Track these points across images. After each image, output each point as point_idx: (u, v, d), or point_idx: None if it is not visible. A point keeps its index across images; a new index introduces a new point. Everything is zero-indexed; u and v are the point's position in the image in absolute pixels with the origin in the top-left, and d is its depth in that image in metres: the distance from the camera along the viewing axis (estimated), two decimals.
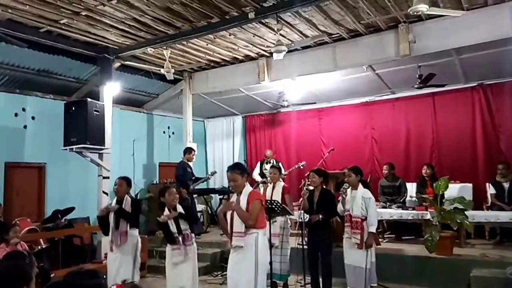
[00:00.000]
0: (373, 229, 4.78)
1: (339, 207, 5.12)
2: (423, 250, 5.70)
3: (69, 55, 6.95)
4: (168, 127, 10.02)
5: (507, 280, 4.28)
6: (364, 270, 4.73)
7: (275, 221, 5.36)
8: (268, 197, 5.53)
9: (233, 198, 4.03)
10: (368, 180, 6.25)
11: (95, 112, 6.55)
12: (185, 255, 4.43)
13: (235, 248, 3.81)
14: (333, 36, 6.64)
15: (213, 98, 9.49)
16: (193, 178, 7.94)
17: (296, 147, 9.75)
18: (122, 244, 4.70)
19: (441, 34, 5.96)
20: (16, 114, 7.18)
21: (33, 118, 7.39)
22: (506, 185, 6.71)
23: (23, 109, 7.29)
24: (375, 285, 4.90)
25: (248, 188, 3.94)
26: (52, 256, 6.23)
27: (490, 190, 6.89)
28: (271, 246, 5.10)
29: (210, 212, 9.40)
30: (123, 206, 4.84)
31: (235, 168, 3.96)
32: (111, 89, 7.17)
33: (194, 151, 8.17)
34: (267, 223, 5.08)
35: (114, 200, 4.96)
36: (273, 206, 5.06)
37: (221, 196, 9.02)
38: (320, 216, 5.08)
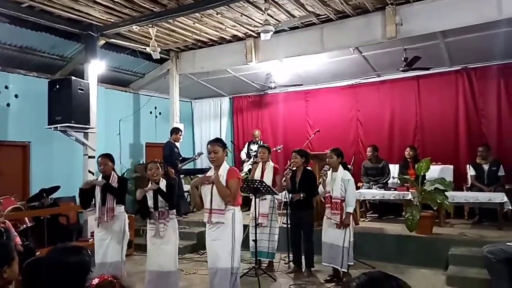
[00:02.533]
0: (350, 209, 4.92)
1: (320, 188, 5.26)
2: (403, 229, 5.85)
3: (53, 31, 6.81)
4: (155, 107, 9.95)
5: (484, 258, 4.43)
6: (341, 248, 4.90)
7: (265, 199, 5.48)
8: (257, 177, 5.62)
9: (210, 172, 4.09)
10: (352, 162, 6.35)
11: (79, 91, 6.47)
12: (157, 232, 4.40)
13: (215, 224, 3.93)
14: (321, 17, 6.62)
15: (200, 78, 9.44)
16: (180, 158, 7.96)
17: (283, 128, 9.81)
18: (110, 220, 4.65)
19: (428, 17, 5.98)
20: None
21: (16, 96, 7.27)
22: (485, 167, 6.88)
23: (6, 87, 7.15)
24: (352, 263, 5.06)
25: (226, 165, 4.04)
26: (37, 235, 6.21)
27: (470, 171, 7.06)
28: (256, 225, 5.25)
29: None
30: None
31: (217, 141, 4.10)
32: (96, 67, 7.07)
33: (181, 132, 8.16)
34: (253, 201, 5.20)
35: (100, 176, 4.93)
36: (258, 186, 5.15)
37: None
38: (302, 195, 5.24)
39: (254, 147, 8.93)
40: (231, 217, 3.91)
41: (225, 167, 3.99)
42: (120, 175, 5.21)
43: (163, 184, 4.52)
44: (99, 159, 4.88)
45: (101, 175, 4.92)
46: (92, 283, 1.70)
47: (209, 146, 4.03)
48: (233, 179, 3.94)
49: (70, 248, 1.95)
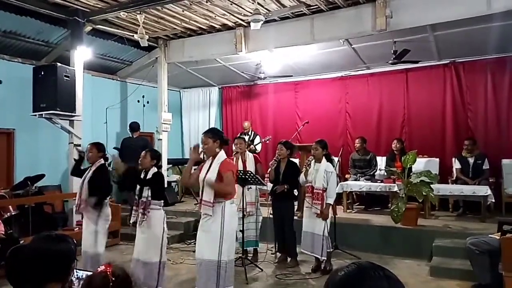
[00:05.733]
0: (331, 201, 5.04)
1: (301, 177, 5.34)
2: (389, 220, 5.92)
3: (38, 16, 6.64)
4: (143, 96, 9.82)
5: (467, 249, 4.52)
6: (321, 237, 5.01)
7: (251, 188, 5.52)
8: (240, 167, 5.63)
9: (207, 164, 4.00)
10: (340, 153, 6.39)
11: (65, 78, 6.36)
12: (137, 221, 4.34)
13: (204, 215, 3.90)
14: (311, 7, 6.58)
15: (189, 67, 9.34)
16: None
17: (272, 119, 9.78)
18: (83, 211, 4.61)
19: (418, 10, 5.99)
20: None
21: (0, 82, 7.10)
22: (471, 160, 6.98)
23: None
24: (330, 250, 5.16)
25: (221, 156, 3.96)
26: (22, 223, 6.13)
27: (456, 164, 7.16)
28: (244, 215, 5.27)
29: None
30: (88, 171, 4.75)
31: (208, 132, 4.05)
32: (82, 54, 6.95)
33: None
34: (240, 192, 5.21)
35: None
36: (246, 176, 5.16)
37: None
38: (286, 187, 5.29)
39: (246, 138, 8.94)
40: (221, 211, 3.84)
41: (219, 158, 3.92)
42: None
43: (152, 172, 4.40)
44: (88, 146, 4.85)
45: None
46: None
47: (202, 136, 4.01)
48: (227, 173, 3.85)
49: (54, 236, 1.89)
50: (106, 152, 5.01)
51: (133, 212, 4.49)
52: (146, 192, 4.33)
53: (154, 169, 4.41)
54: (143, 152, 4.47)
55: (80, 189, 4.66)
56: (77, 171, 4.95)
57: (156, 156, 4.52)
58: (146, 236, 4.30)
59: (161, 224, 4.36)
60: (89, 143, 4.92)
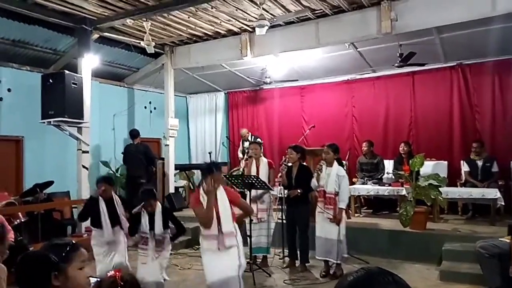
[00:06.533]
0: (343, 205, 4.97)
1: (313, 182, 5.29)
2: (398, 224, 5.88)
3: (46, 25, 6.74)
4: (150, 102, 9.90)
5: (477, 253, 4.47)
6: (336, 241, 4.95)
7: (264, 201, 5.50)
8: (253, 172, 5.62)
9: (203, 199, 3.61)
10: (347, 157, 6.38)
11: (73, 85, 6.42)
12: (152, 256, 4.10)
13: (228, 248, 3.55)
14: (316, 12, 6.59)
15: (195, 73, 9.39)
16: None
17: (278, 123, 9.79)
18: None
19: (423, 13, 5.98)
20: None
21: (9, 90, 7.19)
22: (479, 163, 6.92)
23: None
24: (346, 255, 5.12)
25: (221, 188, 3.67)
26: (31, 230, 6.18)
27: (464, 167, 7.10)
28: (251, 220, 5.26)
29: (192, 187, 9.45)
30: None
31: (208, 172, 3.57)
32: (90, 61, 7.02)
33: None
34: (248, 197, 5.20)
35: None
36: (253, 181, 5.16)
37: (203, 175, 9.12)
38: (299, 191, 5.24)
39: (246, 144, 9.06)
40: (238, 240, 3.66)
41: (221, 189, 3.65)
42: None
43: (158, 209, 4.15)
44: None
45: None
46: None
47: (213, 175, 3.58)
48: (239, 199, 3.78)
49: (61, 243, 1.87)
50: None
51: (142, 252, 4.18)
52: (160, 228, 4.11)
53: (158, 207, 4.21)
54: (148, 200, 4.17)
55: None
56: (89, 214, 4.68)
57: (155, 196, 4.28)
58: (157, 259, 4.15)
59: (169, 247, 4.32)
60: (100, 182, 4.59)
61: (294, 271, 5.41)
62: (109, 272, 1.70)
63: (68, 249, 1.72)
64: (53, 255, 1.69)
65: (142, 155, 8.01)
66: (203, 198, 3.55)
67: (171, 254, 4.63)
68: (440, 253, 5.41)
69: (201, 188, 3.62)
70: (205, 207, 3.48)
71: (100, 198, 4.49)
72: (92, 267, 4.29)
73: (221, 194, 3.61)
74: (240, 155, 9.30)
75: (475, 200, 6.49)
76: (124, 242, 4.61)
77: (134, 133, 8.23)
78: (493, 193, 6.15)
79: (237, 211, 3.83)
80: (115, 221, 4.51)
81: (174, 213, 4.62)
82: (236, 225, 3.70)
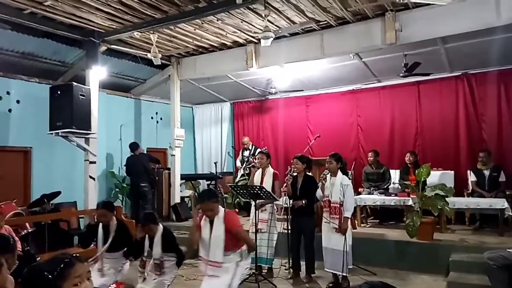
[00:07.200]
0: (348, 214, 4.93)
1: (318, 192, 5.28)
2: (404, 235, 5.84)
3: (54, 38, 6.87)
4: (156, 113, 9.99)
5: (485, 264, 4.42)
6: (342, 253, 4.89)
7: (265, 210, 5.50)
8: (257, 182, 5.62)
9: (204, 223, 3.69)
10: (352, 167, 6.36)
11: (81, 97, 6.51)
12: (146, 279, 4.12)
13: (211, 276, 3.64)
14: (321, 23, 6.65)
15: (201, 84, 9.47)
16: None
17: (283, 133, 9.83)
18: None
19: (428, 23, 6.00)
20: (0, 98, 7.10)
21: (18, 101, 7.31)
22: (486, 173, 6.87)
23: (8, 93, 7.20)
24: (351, 267, 5.08)
25: (221, 212, 3.64)
26: (38, 240, 6.22)
27: (471, 177, 7.05)
28: (256, 231, 5.25)
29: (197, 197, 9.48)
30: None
31: (210, 198, 3.65)
32: (97, 73, 7.12)
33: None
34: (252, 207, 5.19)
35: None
36: (258, 192, 5.16)
37: (208, 182, 9.16)
38: (304, 202, 5.23)
39: (246, 153, 9.18)
40: (233, 268, 3.62)
41: (220, 216, 3.61)
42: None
43: (159, 234, 4.16)
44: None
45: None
46: None
47: (202, 204, 3.66)
48: (238, 229, 3.63)
49: (57, 260, 1.81)
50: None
51: (140, 274, 4.28)
52: (158, 251, 4.14)
53: (159, 230, 4.23)
54: (146, 225, 4.20)
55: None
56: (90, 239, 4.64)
57: (155, 221, 4.28)
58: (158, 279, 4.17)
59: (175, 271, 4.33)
60: (99, 207, 4.56)
61: (299, 282, 5.37)
62: (112, 285, 1.71)
63: (62, 266, 1.71)
64: (48, 273, 1.69)
65: (142, 165, 8.21)
66: (205, 220, 3.67)
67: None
68: (447, 264, 5.35)
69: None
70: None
71: (100, 224, 4.46)
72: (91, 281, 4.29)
73: (218, 221, 3.58)
74: (239, 164, 9.36)
75: (482, 210, 6.43)
76: (126, 268, 4.59)
77: (132, 147, 8.48)
78: (500, 203, 6.09)
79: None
80: (116, 246, 4.42)
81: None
82: (238, 253, 3.67)
